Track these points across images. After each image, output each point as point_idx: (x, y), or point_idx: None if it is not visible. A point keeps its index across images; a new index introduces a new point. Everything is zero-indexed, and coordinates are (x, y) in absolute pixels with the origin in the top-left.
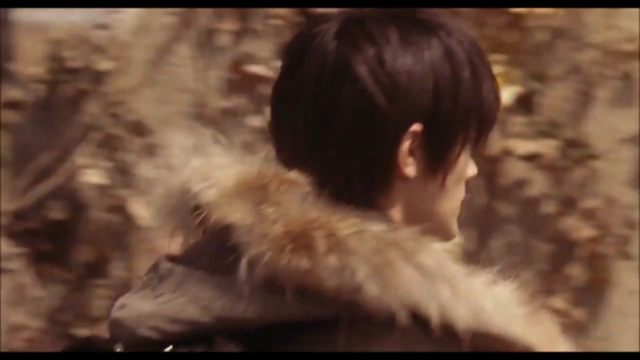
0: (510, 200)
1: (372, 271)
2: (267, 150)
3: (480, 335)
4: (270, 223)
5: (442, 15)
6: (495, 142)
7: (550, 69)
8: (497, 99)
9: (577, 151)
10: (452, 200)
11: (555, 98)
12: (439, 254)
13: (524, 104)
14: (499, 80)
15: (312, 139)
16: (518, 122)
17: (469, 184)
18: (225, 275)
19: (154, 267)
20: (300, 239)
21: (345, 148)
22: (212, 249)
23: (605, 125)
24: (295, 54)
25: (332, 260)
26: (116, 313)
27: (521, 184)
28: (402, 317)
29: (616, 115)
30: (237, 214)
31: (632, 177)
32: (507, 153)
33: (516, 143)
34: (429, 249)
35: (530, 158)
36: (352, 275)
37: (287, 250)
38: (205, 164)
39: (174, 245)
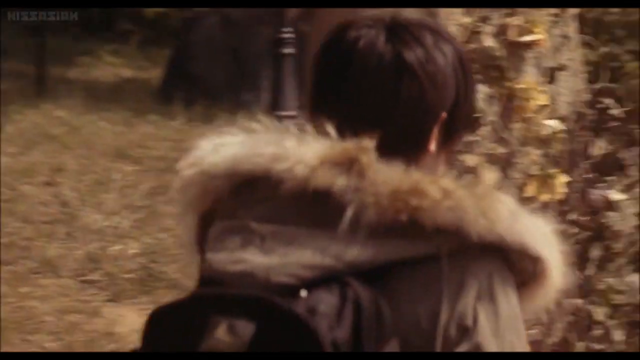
0: None
1: (480, 211)
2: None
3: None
4: (376, 185)
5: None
6: None
7: None
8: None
9: None
10: (442, 171)
11: None
12: (509, 199)
13: None
14: None
15: (377, 120)
16: None
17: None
18: (335, 230)
19: (231, 229)
20: (412, 191)
21: (401, 126)
22: (312, 210)
23: None
24: (342, 54)
25: (449, 202)
26: (234, 267)
27: None
28: (508, 245)
29: None
30: (341, 181)
31: None
32: None
33: None
34: (502, 196)
35: None
36: (466, 213)
37: (401, 200)
38: (269, 143)
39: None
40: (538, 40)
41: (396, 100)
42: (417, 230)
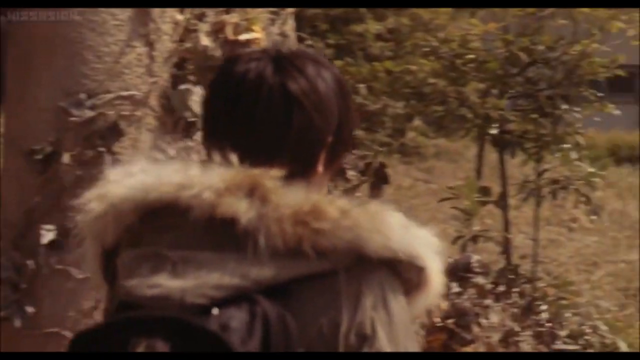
0: None
1: (375, 228)
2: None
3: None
4: (278, 209)
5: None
6: None
7: None
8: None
9: None
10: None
11: None
12: (399, 214)
13: None
14: None
15: (270, 148)
16: None
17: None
18: (241, 252)
19: (142, 257)
20: (313, 213)
21: (294, 153)
22: (219, 235)
23: None
24: (233, 86)
25: (347, 222)
26: (150, 291)
27: None
28: (399, 258)
29: None
30: (242, 207)
31: None
32: None
33: None
34: (392, 212)
35: None
36: (362, 230)
37: (301, 222)
38: (173, 170)
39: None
40: (255, 38)
41: (287, 130)
42: (316, 249)
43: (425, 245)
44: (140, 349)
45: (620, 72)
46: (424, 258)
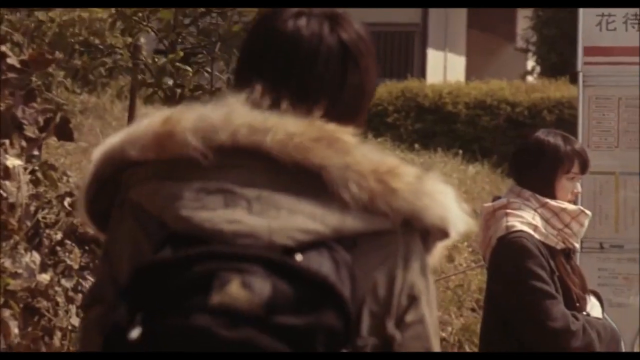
0: None
1: (439, 199)
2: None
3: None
4: (359, 164)
5: None
6: None
7: None
8: None
9: None
10: None
11: None
12: (449, 188)
13: None
14: None
15: (325, 103)
16: None
17: None
18: (320, 199)
19: (205, 190)
20: (391, 173)
21: (346, 107)
22: (295, 181)
23: None
24: (287, 39)
25: (421, 187)
26: (230, 226)
27: None
28: (445, 229)
29: None
30: (332, 157)
31: None
32: None
33: None
34: (445, 186)
35: None
36: (430, 199)
37: (379, 179)
38: (249, 114)
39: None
40: None
41: (343, 85)
42: (386, 207)
43: (463, 222)
44: (234, 284)
45: None
46: (455, 231)
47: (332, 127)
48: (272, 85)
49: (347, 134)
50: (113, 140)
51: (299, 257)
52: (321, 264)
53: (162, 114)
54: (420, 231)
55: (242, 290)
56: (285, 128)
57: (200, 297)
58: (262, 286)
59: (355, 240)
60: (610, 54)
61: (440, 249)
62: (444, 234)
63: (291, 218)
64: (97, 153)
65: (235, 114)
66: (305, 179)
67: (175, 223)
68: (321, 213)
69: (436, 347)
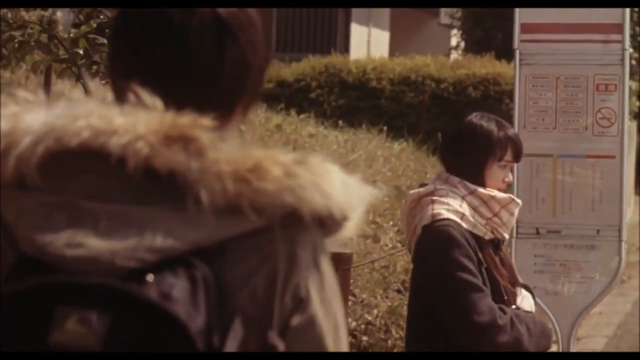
0: None
1: (317, 188)
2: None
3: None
4: (217, 164)
5: None
6: None
7: None
8: None
9: None
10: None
11: None
12: (337, 169)
13: None
14: None
15: (202, 83)
16: None
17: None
18: (175, 209)
19: (52, 205)
20: (255, 171)
21: (223, 93)
22: (146, 189)
23: None
24: (152, 19)
25: (290, 182)
26: (72, 251)
27: None
28: (334, 216)
29: None
30: (182, 160)
31: None
32: None
33: None
34: (332, 168)
35: None
36: (305, 192)
37: (241, 179)
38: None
39: None
40: None
41: (220, 65)
42: (254, 207)
43: (359, 199)
44: (71, 321)
45: None
46: (354, 211)
47: (187, 123)
48: (142, 68)
49: (203, 131)
50: None
51: (150, 277)
52: (174, 285)
53: (6, 115)
54: (312, 221)
55: (79, 326)
56: (133, 128)
57: (40, 336)
58: (100, 321)
59: (223, 247)
60: (548, 31)
61: (352, 227)
62: (338, 220)
63: (141, 235)
64: None
65: (82, 113)
66: (158, 187)
67: (23, 244)
68: (176, 225)
69: (338, 346)
